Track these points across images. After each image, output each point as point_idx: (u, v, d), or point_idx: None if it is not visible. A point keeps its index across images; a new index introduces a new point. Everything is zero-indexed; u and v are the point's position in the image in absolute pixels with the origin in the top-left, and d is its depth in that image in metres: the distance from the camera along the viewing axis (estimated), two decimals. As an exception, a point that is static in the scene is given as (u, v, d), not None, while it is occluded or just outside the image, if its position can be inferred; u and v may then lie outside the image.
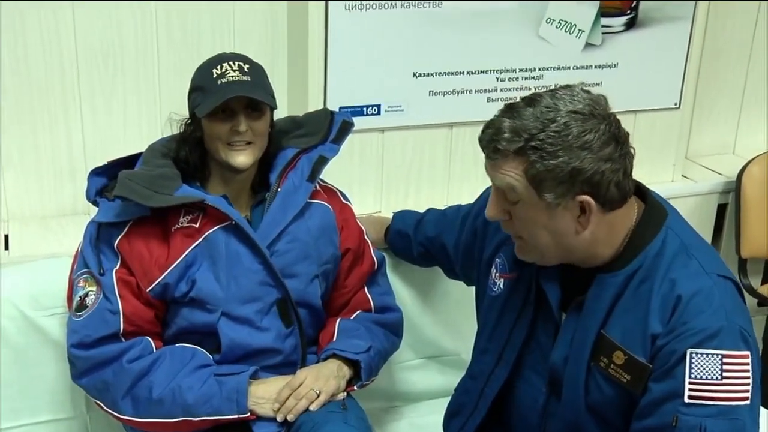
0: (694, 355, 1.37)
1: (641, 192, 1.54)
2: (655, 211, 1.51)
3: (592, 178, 1.39)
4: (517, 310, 1.62)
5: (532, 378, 1.62)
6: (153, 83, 2.30)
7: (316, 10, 2.20)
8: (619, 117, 1.46)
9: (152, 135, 2.25)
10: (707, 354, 1.37)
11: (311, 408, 1.71)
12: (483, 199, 1.80)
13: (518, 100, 1.44)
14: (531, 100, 1.41)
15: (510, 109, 1.42)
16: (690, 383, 1.37)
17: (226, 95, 1.67)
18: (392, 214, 2.16)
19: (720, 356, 1.36)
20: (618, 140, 1.42)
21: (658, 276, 1.44)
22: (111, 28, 2.21)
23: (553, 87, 1.47)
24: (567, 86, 1.45)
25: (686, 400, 1.37)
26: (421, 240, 2.02)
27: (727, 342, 1.37)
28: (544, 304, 1.57)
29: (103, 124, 2.29)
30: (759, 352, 1.44)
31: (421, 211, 2.11)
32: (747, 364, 1.37)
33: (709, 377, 1.36)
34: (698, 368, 1.37)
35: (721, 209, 2.82)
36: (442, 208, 2.06)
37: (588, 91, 1.44)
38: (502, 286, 1.67)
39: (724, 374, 1.36)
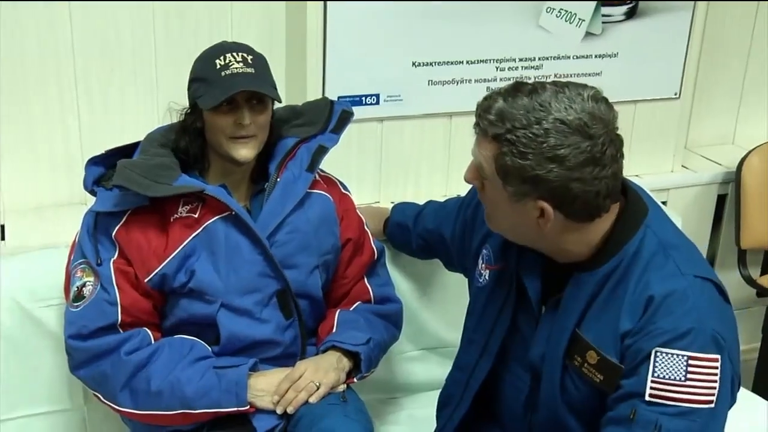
0: (659, 354, 1.36)
1: (622, 186, 1.49)
2: (635, 207, 1.48)
3: (556, 191, 1.37)
4: (501, 301, 1.62)
5: (517, 370, 1.62)
6: (150, 74, 2.27)
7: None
8: (618, 107, 1.43)
9: (149, 125, 2.22)
10: (672, 354, 1.35)
11: (311, 400, 1.70)
12: (474, 188, 1.79)
13: (529, 82, 1.42)
14: (534, 90, 1.38)
15: (513, 90, 1.39)
16: (652, 382, 1.36)
17: (233, 89, 1.65)
18: (391, 206, 2.15)
19: (686, 357, 1.35)
20: (598, 163, 1.36)
21: (634, 276, 1.42)
22: (107, 19, 2.19)
23: (568, 80, 1.43)
24: (582, 86, 1.40)
25: (647, 398, 1.36)
26: (421, 232, 2.01)
27: (696, 344, 1.35)
28: (526, 298, 1.56)
29: (100, 114, 2.26)
30: (737, 354, 1.42)
31: (420, 202, 2.09)
32: (715, 368, 1.35)
33: (673, 377, 1.35)
34: (662, 368, 1.36)
35: (721, 200, 2.81)
36: (441, 198, 2.04)
37: (600, 100, 1.38)
38: (487, 278, 1.66)
39: (689, 376, 1.35)
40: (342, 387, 1.76)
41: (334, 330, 1.85)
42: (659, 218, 1.49)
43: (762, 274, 2.88)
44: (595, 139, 1.35)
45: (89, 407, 1.94)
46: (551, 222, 1.41)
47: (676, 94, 2.67)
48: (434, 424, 1.82)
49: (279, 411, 1.70)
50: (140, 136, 1.87)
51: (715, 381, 1.35)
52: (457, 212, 1.85)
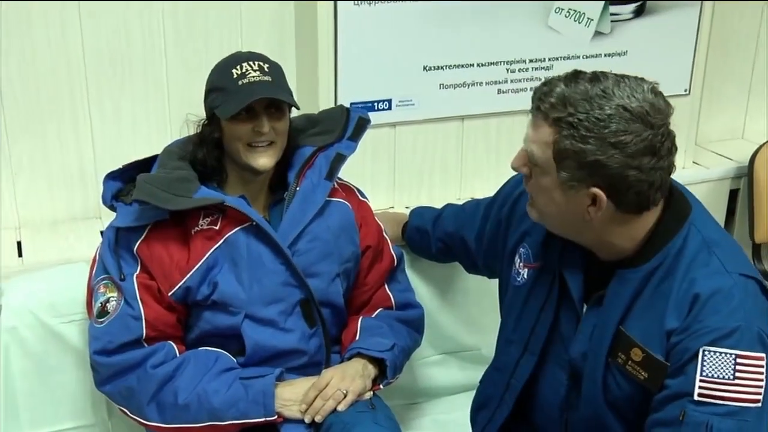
0: (707, 353, 1.36)
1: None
2: (679, 205, 1.48)
3: (613, 178, 1.37)
4: (542, 299, 1.61)
5: (555, 370, 1.61)
6: (161, 85, 2.27)
7: (324, 5, 2.18)
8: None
9: (161, 137, 2.25)
10: (721, 353, 1.35)
11: (339, 408, 1.70)
12: (507, 188, 1.79)
13: (587, 72, 1.42)
14: (595, 77, 1.38)
15: (573, 77, 1.39)
16: (701, 381, 1.36)
17: (252, 97, 1.65)
18: (409, 211, 2.15)
19: (734, 356, 1.35)
20: (656, 153, 1.37)
21: (679, 274, 1.42)
22: (118, 32, 2.19)
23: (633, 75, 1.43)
24: (641, 79, 1.40)
25: (696, 397, 1.36)
26: (440, 236, 2.00)
27: (743, 342, 1.35)
28: (567, 296, 1.56)
29: (112, 127, 2.26)
30: None
31: (435, 206, 2.09)
32: (762, 366, 1.36)
33: (721, 376, 1.35)
34: (710, 367, 1.36)
35: (733, 195, 2.81)
36: (456, 201, 2.04)
37: (659, 94, 1.39)
38: (526, 276, 1.65)
39: (737, 374, 1.35)
40: (369, 394, 1.76)
41: (357, 337, 1.85)
42: (702, 215, 1.50)
43: (775, 267, 2.87)
44: (655, 129, 1.36)
45: (113, 422, 1.93)
46: (602, 212, 1.40)
47: (685, 91, 2.67)
48: (459, 428, 1.82)
49: (307, 420, 1.69)
50: (153, 148, 1.86)
51: (762, 380, 1.35)
52: (485, 213, 1.84)
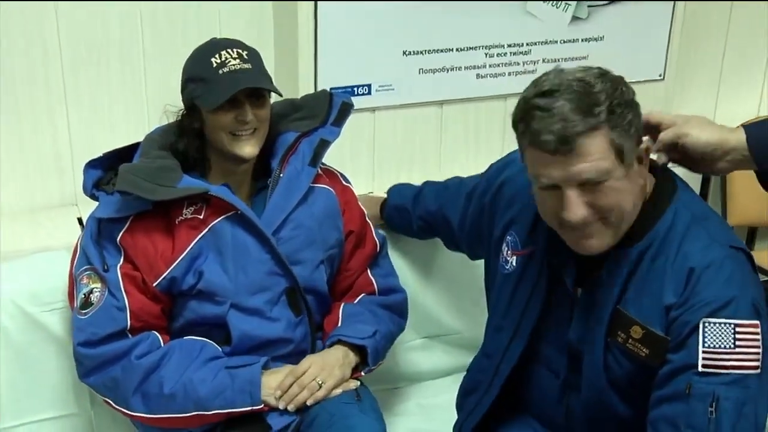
0: (707, 324, 1.39)
1: (651, 165, 1.53)
2: (665, 184, 1.52)
3: (640, 129, 1.44)
4: (532, 285, 1.62)
5: (552, 354, 1.62)
6: (138, 73, 2.24)
7: (304, -10, 2.16)
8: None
9: (138, 124, 2.24)
10: (720, 323, 1.39)
11: (308, 402, 1.69)
12: (491, 174, 1.79)
13: (531, 87, 1.41)
14: (560, 79, 1.37)
15: (546, 96, 1.36)
16: (704, 352, 1.39)
17: (236, 87, 1.63)
18: (387, 190, 2.14)
19: (733, 325, 1.38)
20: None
21: (672, 250, 1.45)
22: (95, 20, 2.15)
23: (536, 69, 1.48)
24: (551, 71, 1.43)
25: (700, 369, 1.39)
26: (421, 214, 2.01)
27: (740, 311, 1.39)
28: (559, 280, 1.57)
29: (88, 115, 2.23)
30: None
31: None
32: (758, 333, 1.40)
33: (723, 346, 1.38)
34: (711, 338, 1.39)
35: (705, 179, 2.85)
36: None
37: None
38: (515, 263, 1.66)
39: (737, 343, 1.38)
40: (355, 383, 1.77)
41: (339, 324, 1.85)
42: (688, 192, 1.54)
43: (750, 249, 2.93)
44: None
45: (96, 411, 1.92)
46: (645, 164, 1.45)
47: (660, 76, 2.70)
48: (445, 413, 1.84)
49: (281, 407, 1.69)
50: (130, 135, 1.84)
51: (759, 346, 1.39)
52: (467, 199, 1.85)
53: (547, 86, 1.38)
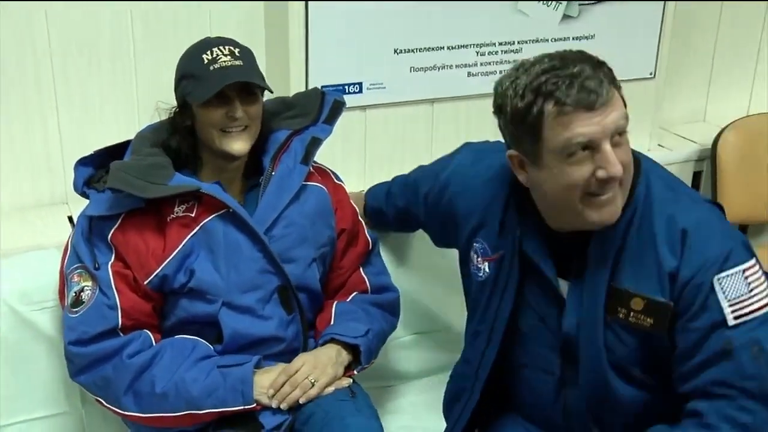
0: (721, 280, 1.42)
1: None
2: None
3: None
4: (502, 289, 1.63)
5: (542, 352, 1.62)
6: (129, 73, 2.23)
7: (295, -11, 2.16)
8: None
9: (129, 122, 2.23)
10: (731, 274, 1.42)
11: (301, 401, 1.69)
12: (443, 179, 1.81)
13: (531, 62, 1.44)
14: (546, 61, 1.42)
15: (558, 69, 1.38)
16: (730, 306, 1.42)
17: (224, 81, 1.63)
18: (365, 192, 2.15)
19: (741, 271, 1.43)
20: None
21: (655, 216, 1.48)
22: (85, 17, 2.14)
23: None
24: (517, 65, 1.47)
25: (731, 323, 1.41)
26: (394, 213, 2.03)
27: (741, 256, 1.44)
28: (539, 278, 1.57)
29: (79, 114, 2.22)
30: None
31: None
32: (758, 269, 1.45)
33: (741, 294, 1.42)
34: (730, 290, 1.42)
35: (696, 176, 2.86)
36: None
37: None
38: (488, 270, 1.66)
39: (750, 285, 1.43)
40: (348, 381, 1.77)
41: (332, 322, 1.85)
42: (652, 163, 1.57)
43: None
44: None
45: (87, 410, 1.91)
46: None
47: (651, 74, 2.70)
48: (436, 411, 1.83)
49: (274, 405, 1.69)
50: (121, 134, 1.83)
51: (764, 280, 1.44)
52: (424, 203, 1.87)
53: (547, 64, 1.41)
